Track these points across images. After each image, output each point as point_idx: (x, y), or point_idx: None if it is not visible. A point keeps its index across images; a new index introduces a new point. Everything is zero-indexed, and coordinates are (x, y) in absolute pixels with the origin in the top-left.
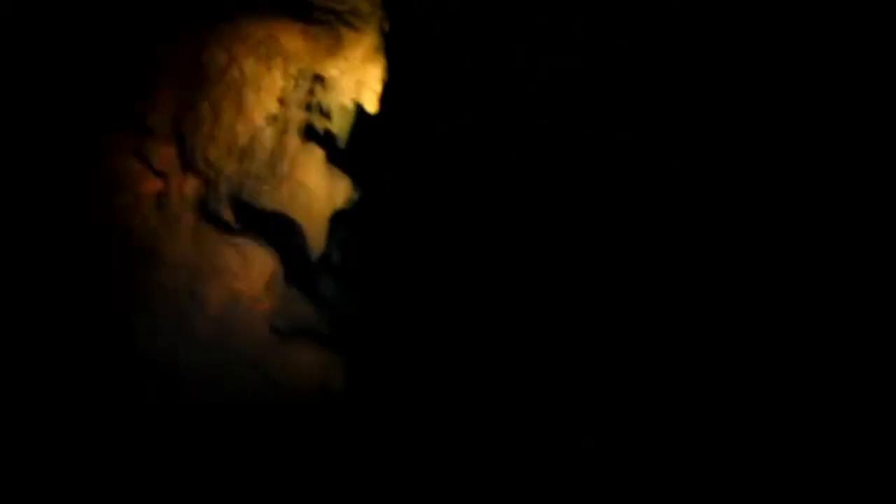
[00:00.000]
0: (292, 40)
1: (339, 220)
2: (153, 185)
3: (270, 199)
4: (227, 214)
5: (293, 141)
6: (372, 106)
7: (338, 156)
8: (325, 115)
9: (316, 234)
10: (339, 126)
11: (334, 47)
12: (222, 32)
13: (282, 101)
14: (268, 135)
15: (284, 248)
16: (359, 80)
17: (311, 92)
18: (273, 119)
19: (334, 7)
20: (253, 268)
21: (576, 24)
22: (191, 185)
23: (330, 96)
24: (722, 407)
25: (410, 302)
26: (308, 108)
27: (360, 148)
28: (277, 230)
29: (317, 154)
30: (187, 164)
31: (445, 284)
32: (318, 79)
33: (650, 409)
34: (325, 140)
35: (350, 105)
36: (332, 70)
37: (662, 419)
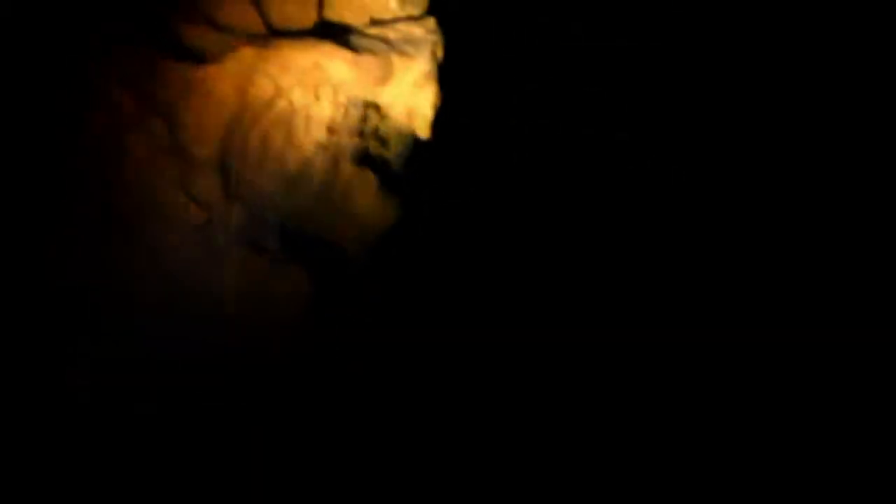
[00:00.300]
0: (340, 69)
1: (387, 241)
2: (198, 216)
3: (319, 227)
4: (274, 244)
5: (347, 168)
6: (424, 132)
7: (391, 181)
8: (380, 141)
9: (365, 258)
10: (394, 152)
11: (385, 75)
12: (267, 61)
13: (331, 130)
14: (319, 163)
15: (330, 275)
16: (410, 107)
17: (363, 119)
18: (323, 148)
19: (387, 35)
20: (299, 296)
21: None
22: (237, 216)
23: (384, 123)
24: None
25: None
26: (361, 134)
27: (410, 171)
28: (324, 257)
29: (370, 180)
30: (233, 195)
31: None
32: (370, 106)
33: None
34: (379, 166)
35: (405, 131)
36: (384, 97)
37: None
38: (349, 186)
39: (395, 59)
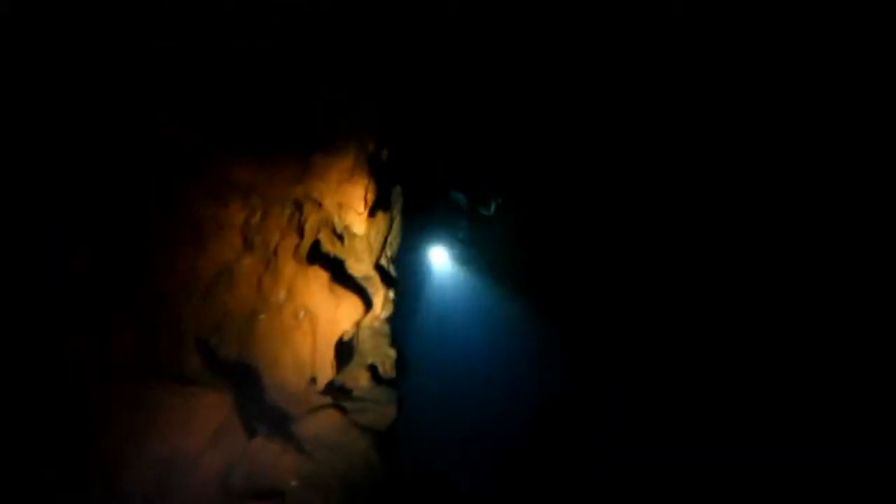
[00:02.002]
0: (244, 172)
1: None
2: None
3: (252, 333)
4: (185, 361)
5: (289, 265)
6: (357, 227)
7: (343, 276)
8: (337, 237)
9: (322, 358)
10: (347, 247)
11: (300, 173)
12: (168, 175)
13: (246, 231)
14: (245, 265)
15: (251, 392)
16: (339, 201)
17: (291, 217)
18: (248, 249)
19: (301, 132)
20: (196, 421)
21: None
22: (129, 337)
23: (324, 217)
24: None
25: None
26: (301, 231)
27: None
28: (246, 373)
29: (321, 276)
30: (133, 314)
31: None
32: (297, 204)
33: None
34: (330, 262)
35: (351, 225)
36: (313, 192)
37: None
38: (294, 284)
39: (317, 155)
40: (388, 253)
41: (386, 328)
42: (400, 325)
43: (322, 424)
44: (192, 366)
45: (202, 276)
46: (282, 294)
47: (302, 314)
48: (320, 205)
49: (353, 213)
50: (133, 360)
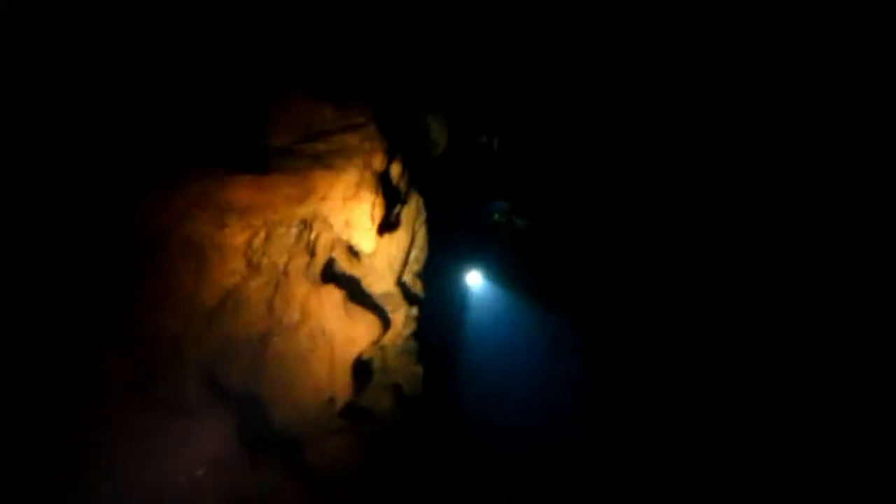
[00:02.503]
0: (242, 190)
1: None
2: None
3: (264, 357)
4: (186, 388)
5: (301, 286)
6: (365, 245)
7: (359, 295)
8: (353, 253)
9: (340, 379)
10: (363, 265)
11: (303, 192)
12: (171, 196)
13: (250, 253)
14: (252, 288)
15: (259, 417)
16: (346, 218)
17: (298, 237)
18: (253, 271)
19: (316, 149)
20: (192, 448)
21: None
22: (122, 364)
23: (335, 236)
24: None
25: None
26: (312, 251)
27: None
28: (256, 398)
29: (336, 296)
30: (126, 341)
31: None
32: (305, 223)
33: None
34: (345, 281)
35: (360, 243)
36: (321, 210)
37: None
38: (307, 304)
39: (318, 173)
40: (415, 268)
41: (412, 345)
42: (429, 341)
43: (337, 449)
44: (192, 393)
45: (204, 300)
46: (295, 315)
47: (317, 335)
48: (329, 223)
49: (360, 230)
50: (128, 388)
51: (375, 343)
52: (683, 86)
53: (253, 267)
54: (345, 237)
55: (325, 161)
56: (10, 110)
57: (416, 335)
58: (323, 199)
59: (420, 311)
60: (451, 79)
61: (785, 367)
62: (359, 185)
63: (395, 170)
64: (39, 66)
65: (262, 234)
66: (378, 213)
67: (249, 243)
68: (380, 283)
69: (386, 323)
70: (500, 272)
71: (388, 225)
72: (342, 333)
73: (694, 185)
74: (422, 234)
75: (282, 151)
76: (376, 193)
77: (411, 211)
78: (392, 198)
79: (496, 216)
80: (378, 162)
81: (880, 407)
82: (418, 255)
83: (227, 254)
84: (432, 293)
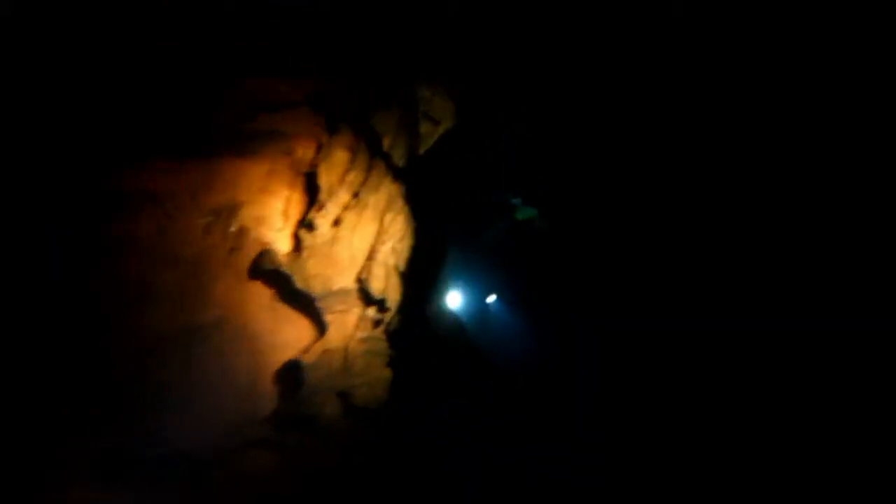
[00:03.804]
0: (152, 180)
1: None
2: None
3: (175, 359)
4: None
5: (220, 282)
6: (282, 244)
7: (292, 295)
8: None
9: (265, 385)
10: (302, 260)
11: (210, 178)
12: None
13: (161, 245)
14: (167, 282)
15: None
16: (257, 216)
17: (211, 228)
18: (166, 264)
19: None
20: None
21: None
22: None
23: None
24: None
25: None
26: (236, 245)
27: None
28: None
29: (262, 294)
30: None
31: None
32: (217, 213)
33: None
34: (273, 278)
35: (273, 242)
36: (233, 203)
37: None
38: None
39: (228, 160)
40: (392, 261)
41: (381, 346)
42: (406, 342)
43: (253, 465)
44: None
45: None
46: (214, 313)
47: (241, 336)
48: (243, 216)
49: (271, 228)
50: None
51: (308, 348)
52: (683, 86)
53: (164, 260)
54: (254, 233)
55: (238, 146)
56: (11, 110)
57: (394, 335)
58: (235, 187)
59: (403, 308)
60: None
61: (785, 367)
62: (269, 176)
63: (341, 156)
64: (39, 66)
65: (175, 225)
66: (294, 210)
67: (160, 232)
68: (340, 278)
69: (321, 327)
70: (503, 270)
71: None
72: (269, 336)
73: (694, 185)
74: (398, 224)
75: (188, 133)
76: (292, 187)
77: (380, 200)
78: (314, 190)
79: (519, 214)
80: (304, 151)
81: (880, 407)
82: (396, 246)
83: (135, 243)
84: (412, 289)
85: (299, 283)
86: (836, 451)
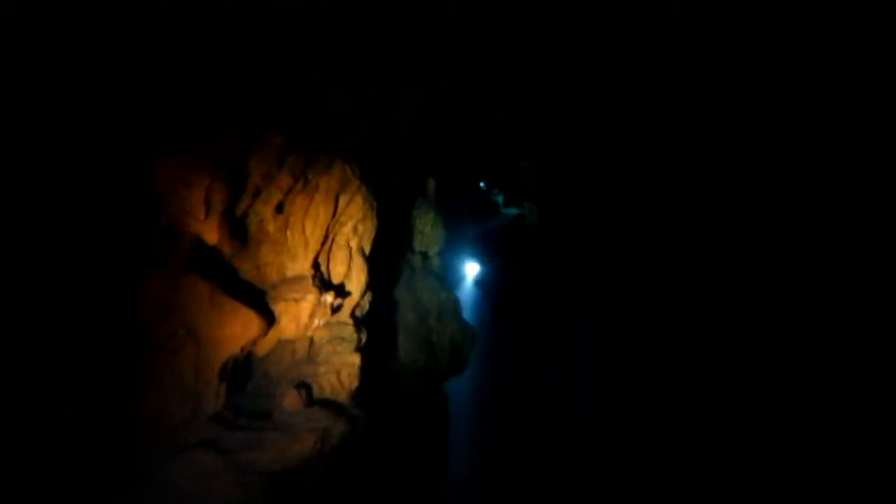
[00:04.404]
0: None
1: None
2: None
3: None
4: None
5: (157, 277)
6: (209, 236)
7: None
8: (233, 237)
9: (208, 383)
10: (244, 252)
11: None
12: None
13: None
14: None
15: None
16: (183, 208)
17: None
18: None
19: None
20: None
21: None
22: None
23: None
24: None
25: None
26: (170, 239)
27: None
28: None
29: (200, 288)
30: None
31: None
32: (138, 203)
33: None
34: (212, 271)
35: (200, 234)
36: (154, 194)
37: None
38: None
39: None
40: (354, 242)
41: (349, 331)
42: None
43: (196, 467)
44: None
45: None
46: (150, 310)
47: (180, 333)
48: (165, 207)
49: (193, 219)
50: None
51: (255, 340)
52: (683, 86)
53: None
54: (185, 226)
55: (150, 137)
56: (11, 110)
57: (361, 322)
58: (160, 181)
59: (372, 291)
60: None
61: (784, 367)
62: (189, 167)
63: (274, 139)
64: (39, 66)
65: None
66: (219, 199)
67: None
68: (293, 264)
69: (270, 317)
70: (502, 268)
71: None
72: (214, 330)
73: (694, 185)
74: (357, 205)
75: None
76: (213, 177)
77: (332, 181)
78: (241, 179)
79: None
80: (231, 140)
81: (880, 407)
82: (357, 226)
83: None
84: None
85: (246, 274)
86: (836, 451)
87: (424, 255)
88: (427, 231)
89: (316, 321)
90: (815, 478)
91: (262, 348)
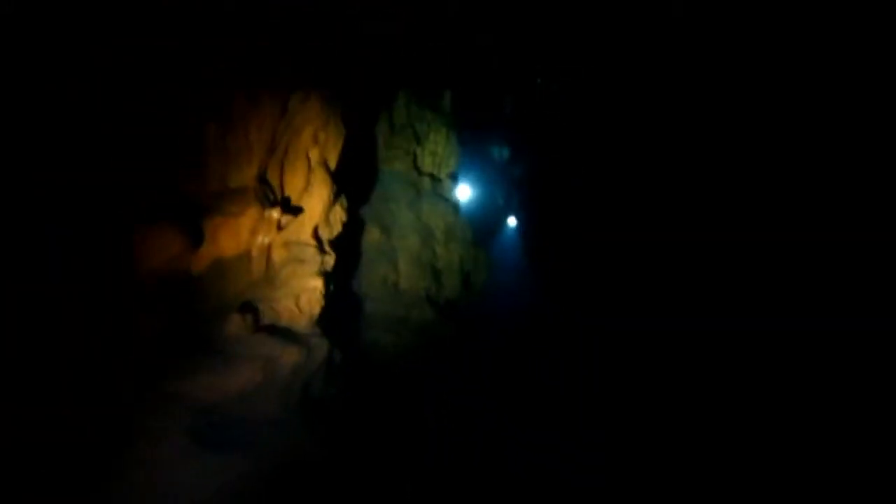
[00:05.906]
0: None
1: None
2: None
3: None
4: None
5: None
6: None
7: None
8: None
9: None
10: None
11: None
12: None
13: None
14: None
15: None
16: None
17: None
18: None
19: None
20: None
21: None
22: None
23: None
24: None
25: None
26: None
27: None
28: None
29: None
30: None
31: None
32: None
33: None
34: None
35: None
36: None
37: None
38: None
39: None
40: (315, 156)
41: (311, 254)
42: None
43: None
44: None
45: None
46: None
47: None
48: None
49: None
50: None
51: (180, 255)
52: (683, 86)
53: None
54: None
55: None
56: (11, 110)
57: (327, 244)
58: None
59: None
60: None
61: (784, 367)
62: None
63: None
64: (39, 66)
65: None
66: None
67: None
68: (238, 175)
69: (196, 235)
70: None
71: None
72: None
73: (695, 185)
74: (313, 107)
75: None
76: None
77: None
78: None
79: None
80: None
81: (880, 407)
82: (318, 133)
83: None
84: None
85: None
86: (836, 451)
87: (433, 177)
88: (439, 151)
89: (260, 238)
90: (815, 478)
91: (197, 266)
